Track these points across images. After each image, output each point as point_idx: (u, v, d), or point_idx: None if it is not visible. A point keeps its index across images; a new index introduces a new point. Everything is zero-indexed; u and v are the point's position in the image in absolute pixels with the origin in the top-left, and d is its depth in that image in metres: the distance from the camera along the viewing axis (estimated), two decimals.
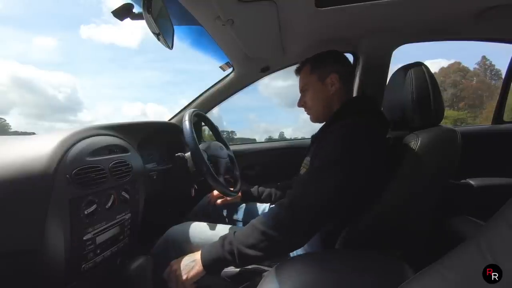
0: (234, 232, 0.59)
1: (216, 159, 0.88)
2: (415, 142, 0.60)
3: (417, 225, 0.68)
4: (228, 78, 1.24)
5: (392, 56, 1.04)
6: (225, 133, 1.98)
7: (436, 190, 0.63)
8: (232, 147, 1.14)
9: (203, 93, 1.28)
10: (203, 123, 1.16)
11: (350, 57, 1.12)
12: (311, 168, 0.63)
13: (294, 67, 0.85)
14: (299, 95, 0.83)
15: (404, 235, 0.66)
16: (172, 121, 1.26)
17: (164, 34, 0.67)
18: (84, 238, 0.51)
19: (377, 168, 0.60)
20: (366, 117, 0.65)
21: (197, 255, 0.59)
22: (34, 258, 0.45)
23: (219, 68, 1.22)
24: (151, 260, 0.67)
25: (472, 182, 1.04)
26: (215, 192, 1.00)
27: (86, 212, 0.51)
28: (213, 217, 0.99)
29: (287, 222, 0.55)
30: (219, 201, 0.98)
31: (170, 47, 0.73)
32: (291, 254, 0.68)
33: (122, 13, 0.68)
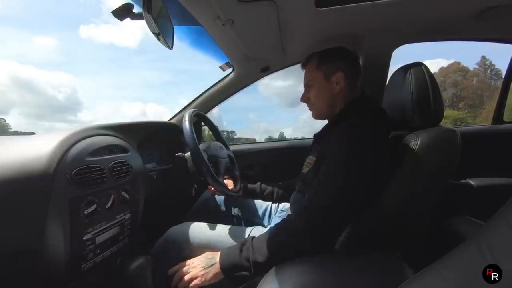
0: (252, 238, 0.59)
1: (216, 159, 0.88)
2: (415, 142, 0.60)
3: (417, 225, 0.68)
4: (228, 78, 1.24)
5: (392, 56, 1.04)
6: (225, 133, 1.99)
7: (436, 190, 0.63)
8: (232, 147, 1.14)
9: (203, 93, 1.28)
10: (203, 123, 1.16)
11: None
12: (321, 172, 0.62)
13: (294, 67, 0.85)
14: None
15: (404, 235, 0.66)
16: (172, 121, 1.26)
17: (164, 34, 0.67)
18: (84, 238, 0.51)
19: (382, 168, 0.60)
20: (371, 116, 0.65)
21: (216, 257, 0.59)
22: (34, 258, 0.45)
23: (219, 68, 1.22)
24: (151, 260, 0.67)
25: (472, 182, 1.04)
26: None
27: (86, 212, 0.51)
28: (213, 214, 0.99)
29: (304, 229, 0.55)
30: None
31: (170, 47, 0.73)
32: None
33: (122, 13, 0.68)
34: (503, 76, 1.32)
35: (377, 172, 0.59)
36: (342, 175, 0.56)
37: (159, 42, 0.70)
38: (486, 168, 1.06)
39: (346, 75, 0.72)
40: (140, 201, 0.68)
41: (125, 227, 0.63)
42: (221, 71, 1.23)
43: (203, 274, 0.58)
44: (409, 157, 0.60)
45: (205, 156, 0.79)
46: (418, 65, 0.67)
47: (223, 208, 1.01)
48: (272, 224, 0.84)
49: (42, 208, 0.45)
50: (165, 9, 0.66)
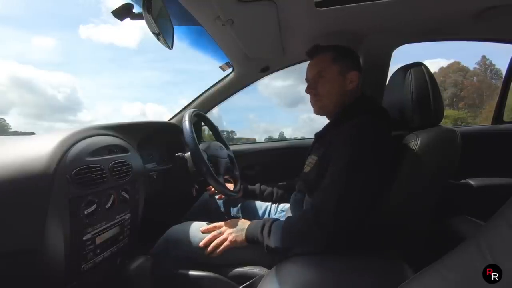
0: (274, 221, 0.63)
1: (216, 159, 0.88)
2: (415, 142, 0.60)
3: (417, 225, 0.68)
4: (228, 78, 1.24)
5: (392, 56, 1.04)
6: (225, 133, 1.98)
7: (436, 190, 0.63)
8: (232, 147, 1.14)
9: (203, 93, 1.28)
10: (203, 123, 1.16)
11: None
12: (328, 174, 0.62)
13: (294, 67, 0.84)
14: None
15: (404, 235, 0.66)
16: (172, 121, 1.26)
17: (164, 34, 0.67)
18: (84, 238, 0.51)
19: (386, 168, 0.61)
20: (373, 116, 0.65)
21: (245, 226, 0.66)
22: (34, 258, 0.45)
23: (219, 68, 1.22)
24: (151, 260, 0.67)
25: (472, 182, 1.04)
26: None
27: (86, 212, 0.51)
28: (213, 215, 0.99)
29: (314, 235, 0.56)
30: (217, 196, 1.00)
31: (170, 47, 0.73)
32: None
33: (122, 13, 0.68)
34: (503, 76, 1.32)
35: (382, 172, 0.60)
36: (350, 177, 0.57)
37: (159, 42, 0.70)
38: (486, 168, 1.06)
39: (359, 75, 0.74)
40: (140, 201, 0.68)
41: (125, 227, 0.63)
42: (221, 71, 1.23)
43: (233, 238, 0.64)
44: (409, 157, 0.60)
45: (205, 156, 0.79)
46: (418, 65, 0.67)
47: (222, 208, 1.01)
48: None
49: (42, 208, 0.45)
50: (165, 9, 0.66)
